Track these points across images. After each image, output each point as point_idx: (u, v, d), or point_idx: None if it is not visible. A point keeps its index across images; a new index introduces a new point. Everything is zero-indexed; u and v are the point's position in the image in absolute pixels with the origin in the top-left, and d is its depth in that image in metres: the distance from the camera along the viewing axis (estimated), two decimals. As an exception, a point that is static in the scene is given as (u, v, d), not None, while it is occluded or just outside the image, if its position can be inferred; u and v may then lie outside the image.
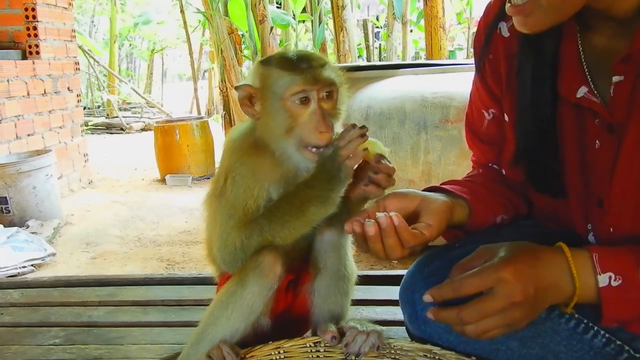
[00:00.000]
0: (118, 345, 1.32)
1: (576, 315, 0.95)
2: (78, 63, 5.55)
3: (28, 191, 3.87)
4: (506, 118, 1.14)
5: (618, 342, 0.94)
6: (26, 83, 4.53)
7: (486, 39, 1.15)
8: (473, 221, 1.10)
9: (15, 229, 3.59)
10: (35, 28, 4.71)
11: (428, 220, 1.00)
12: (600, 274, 0.85)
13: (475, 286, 0.86)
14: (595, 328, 0.95)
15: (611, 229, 0.98)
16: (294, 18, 6.78)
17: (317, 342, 1.05)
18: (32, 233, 3.62)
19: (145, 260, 3.41)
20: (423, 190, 1.12)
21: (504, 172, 1.21)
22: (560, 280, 0.87)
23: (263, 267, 1.03)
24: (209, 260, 1.12)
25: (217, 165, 5.75)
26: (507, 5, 0.92)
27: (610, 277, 0.85)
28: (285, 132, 1.04)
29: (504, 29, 1.11)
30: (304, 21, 7.45)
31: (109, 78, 11.46)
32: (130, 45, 15.13)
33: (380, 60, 8.14)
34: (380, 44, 8.69)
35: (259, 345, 1.03)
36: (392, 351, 1.03)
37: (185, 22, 8.03)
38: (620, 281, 0.85)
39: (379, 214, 0.96)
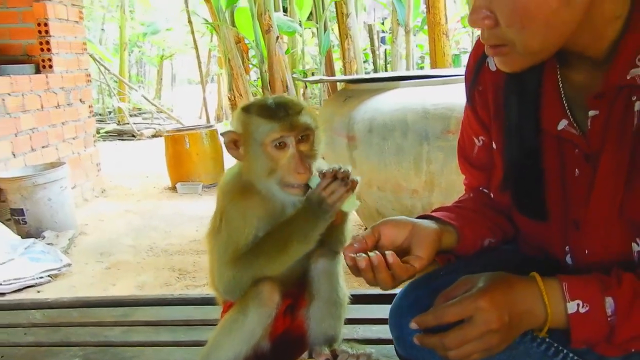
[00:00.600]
0: None
1: (547, 340, 1.03)
2: (89, 75, 5.68)
3: (43, 203, 4.00)
4: (494, 146, 1.21)
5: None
6: (40, 96, 4.67)
7: (475, 72, 1.22)
8: (461, 246, 1.17)
9: (31, 240, 3.71)
10: (48, 42, 4.84)
11: (418, 251, 1.08)
12: (569, 302, 0.92)
13: (456, 314, 0.93)
14: (565, 351, 1.02)
15: (586, 251, 1.05)
16: (300, 25, 6.88)
17: (312, 365, 1.15)
18: (48, 244, 3.75)
19: (157, 270, 3.51)
20: (416, 218, 1.20)
21: (492, 195, 1.29)
22: (534, 308, 0.94)
23: (262, 297, 1.12)
24: (212, 289, 1.22)
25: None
26: (486, 47, 1.00)
27: (578, 305, 0.92)
28: (267, 174, 1.12)
29: (491, 63, 1.18)
30: (310, 27, 7.55)
31: (119, 85, 11.62)
32: (139, 51, 15.30)
33: (386, 65, 8.20)
34: (385, 49, 8.76)
35: (259, 367, 1.13)
36: (381, 370, 1.13)
37: (193, 33, 8.16)
38: (587, 308, 0.92)
39: (371, 254, 1.04)
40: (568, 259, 1.09)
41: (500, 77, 1.14)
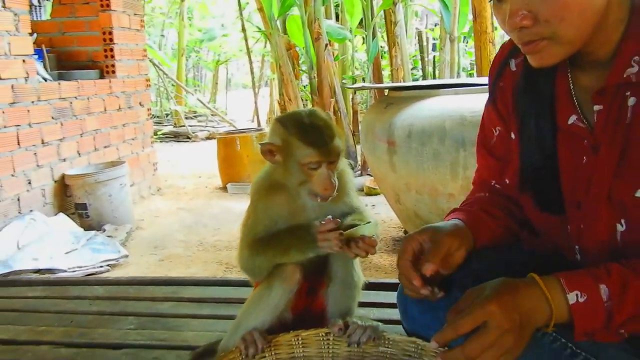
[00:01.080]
0: (179, 332, 1.65)
1: (558, 337, 1.12)
2: (149, 80, 6.02)
3: (105, 198, 4.32)
4: (512, 136, 1.31)
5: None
6: (103, 100, 5.02)
7: (500, 69, 1.34)
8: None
9: (93, 232, 4.02)
10: (112, 50, 5.20)
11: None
12: (569, 293, 1.02)
13: (470, 324, 1.01)
14: (570, 345, 1.11)
15: (582, 226, 1.16)
16: (351, 32, 7.06)
17: (327, 333, 1.32)
18: (108, 236, 4.05)
19: (205, 263, 3.74)
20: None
21: (507, 181, 1.37)
22: (539, 305, 1.02)
23: (285, 275, 1.31)
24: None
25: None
26: (522, 46, 1.09)
27: (577, 295, 1.01)
28: (299, 184, 1.30)
29: (512, 64, 1.30)
30: (360, 34, 7.72)
31: (176, 89, 12.09)
32: (197, 56, 15.82)
33: (434, 72, 8.28)
34: (434, 56, 8.83)
35: (282, 333, 1.32)
36: (386, 341, 1.29)
37: (246, 40, 8.46)
38: (585, 297, 1.01)
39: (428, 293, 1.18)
40: (567, 227, 1.20)
41: (518, 78, 1.26)
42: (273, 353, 1.30)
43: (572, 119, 1.16)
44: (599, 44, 1.09)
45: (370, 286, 1.46)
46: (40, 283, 2.05)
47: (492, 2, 1.09)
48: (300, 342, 1.30)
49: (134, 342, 1.60)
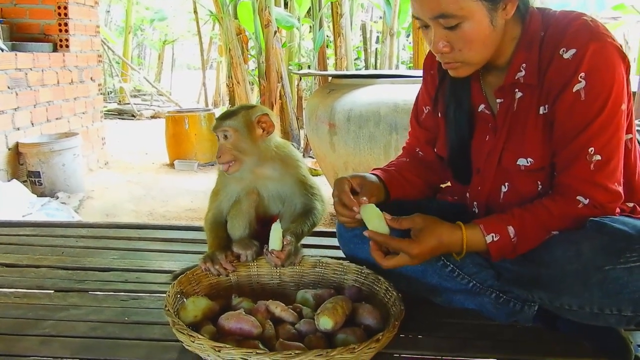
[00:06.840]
0: (155, 261, 1.99)
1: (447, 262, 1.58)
2: (101, 56, 6.16)
3: (58, 167, 4.51)
4: (439, 115, 1.66)
5: (451, 266, 1.58)
6: (57, 73, 5.15)
7: (437, 66, 1.65)
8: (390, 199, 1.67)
9: (47, 199, 4.21)
10: (66, 24, 5.33)
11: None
12: (486, 235, 1.40)
13: (397, 247, 1.39)
14: (442, 259, 1.57)
15: (479, 188, 1.57)
16: (299, 20, 7.38)
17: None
18: (62, 203, 4.25)
19: (157, 230, 4.01)
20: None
21: (435, 150, 1.71)
22: (456, 244, 1.41)
23: (247, 192, 1.68)
24: None
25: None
26: (442, 63, 1.43)
27: (492, 236, 1.40)
28: None
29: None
30: (307, 23, 8.04)
31: (122, 66, 12.05)
32: (142, 35, 15.70)
33: (376, 63, 8.71)
34: (376, 48, 9.27)
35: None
36: (320, 264, 1.66)
37: (197, 22, 8.63)
38: (498, 237, 1.40)
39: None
40: (467, 194, 1.62)
41: (445, 73, 1.60)
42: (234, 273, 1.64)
43: (481, 107, 1.56)
44: (499, 56, 1.47)
45: (314, 233, 1.81)
46: (28, 225, 2.33)
47: (420, 28, 1.44)
48: (255, 264, 1.66)
49: (118, 267, 1.92)
